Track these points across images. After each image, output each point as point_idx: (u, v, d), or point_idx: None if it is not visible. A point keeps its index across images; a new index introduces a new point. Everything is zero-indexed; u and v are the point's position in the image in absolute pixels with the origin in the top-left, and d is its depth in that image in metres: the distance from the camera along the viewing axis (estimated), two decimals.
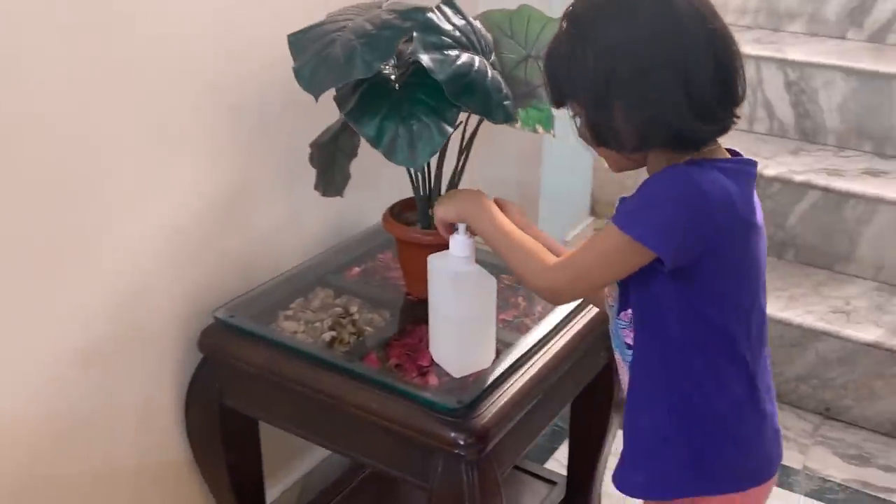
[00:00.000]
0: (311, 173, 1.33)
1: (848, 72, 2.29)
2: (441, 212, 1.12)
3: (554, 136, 1.38)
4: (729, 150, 1.00)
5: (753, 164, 0.99)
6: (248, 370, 1.28)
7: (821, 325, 2.02)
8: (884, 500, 1.81)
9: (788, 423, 2.02)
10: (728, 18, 2.66)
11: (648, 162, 1.00)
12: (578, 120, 0.98)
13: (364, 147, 1.31)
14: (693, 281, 0.96)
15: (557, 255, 1.04)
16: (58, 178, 1.12)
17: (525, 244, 1.04)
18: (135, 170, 1.22)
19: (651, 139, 0.95)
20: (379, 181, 1.58)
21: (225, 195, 1.36)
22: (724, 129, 0.96)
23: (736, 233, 0.95)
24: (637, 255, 0.93)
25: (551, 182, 1.99)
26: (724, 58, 0.93)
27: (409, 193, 1.38)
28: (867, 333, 1.98)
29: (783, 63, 2.32)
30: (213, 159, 1.33)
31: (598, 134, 0.96)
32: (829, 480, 1.86)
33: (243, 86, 1.34)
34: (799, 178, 2.17)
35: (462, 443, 1.11)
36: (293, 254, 1.51)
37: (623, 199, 1.03)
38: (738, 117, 0.96)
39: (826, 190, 2.16)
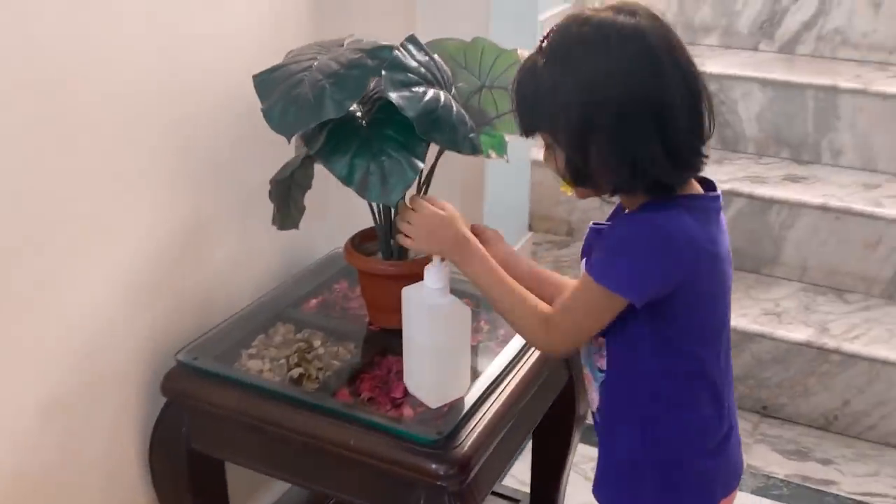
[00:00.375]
0: (262, 207, 1.32)
1: (764, 83, 2.40)
2: (418, 246, 1.10)
3: (507, 161, 1.40)
4: (701, 179, 1.03)
5: (717, 198, 1.02)
6: (216, 413, 1.25)
7: (754, 327, 2.10)
8: (824, 492, 1.90)
9: None
10: None
11: (633, 202, 1.02)
12: (558, 159, 0.99)
13: (316, 180, 1.31)
14: (665, 314, 1.00)
15: (548, 283, 1.06)
16: (12, 229, 1.08)
17: (516, 294, 1.04)
18: (91, 216, 1.18)
19: (627, 186, 0.98)
20: (328, 210, 1.57)
21: (180, 235, 1.34)
22: (696, 172, 0.99)
23: (702, 268, 0.99)
24: (615, 302, 0.98)
25: (493, 202, 2.02)
26: (694, 98, 0.95)
27: (360, 220, 1.38)
28: (798, 333, 2.08)
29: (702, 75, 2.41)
30: (168, 199, 1.30)
31: (575, 175, 0.98)
32: (773, 477, 1.94)
33: (195, 124, 1.32)
34: (724, 186, 2.25)
35: (444, 474, 1.11)
36: (249, 289, 1.49)
37: (594, 229, 1.06)
38: (706, 156, 0.99)
39: (750, 197, 2.26)
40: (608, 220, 1.07)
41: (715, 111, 0.98)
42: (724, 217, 1.04)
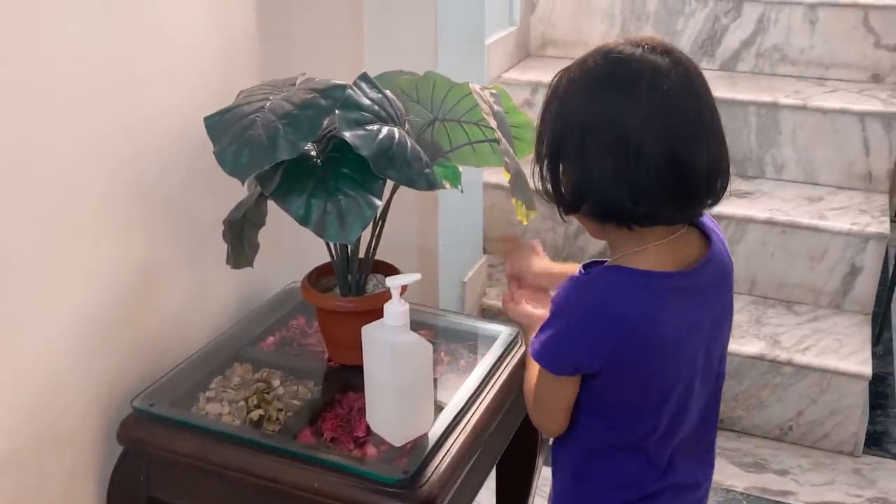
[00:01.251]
0: (215, 245, 1.30)
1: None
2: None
3: (461, 191, 1.40)
4: (697, 224, 1.00)
5: (672, 275, 0.96)
6: (175, 459, 1.23)
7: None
8: (782, 503, 1.93)
9: None
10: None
11: (602, 230, 1.00)
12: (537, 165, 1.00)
13: (269, 215, 1.29)
14: (598, 381, 1.00)
15: None
16: None
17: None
18: (40, 261, 1.15)
19: (579, 204, 0.96)
20: (283, 245, 1.55)
21: (133, 277, 1.31)
22: (667, 223, 0.95)
23: (628, 350, 0.95)
24: (559, 383, 1.00)
25: (448, 225, 2.02)
26: (683, 153, 0.90)
27: (313, 255, 1.37)
28: (751, 347, 2.11)
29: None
30: (120, 242, 1.27)
31: (544, 186, 0.98)
32: (732, 490, 1.97)
33: (146, 164, 1.29)
34: None
35: None
36: (205, 330, 1.46)
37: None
38: (681, 215, 0.96)
39: None
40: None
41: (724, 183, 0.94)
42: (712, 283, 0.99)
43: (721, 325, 1.04)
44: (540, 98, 2.61)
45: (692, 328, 0.98)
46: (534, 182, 1.01)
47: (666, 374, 0.98)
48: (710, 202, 0.96)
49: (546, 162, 0.98)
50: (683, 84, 0.91)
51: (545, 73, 2.66)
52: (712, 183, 0.94)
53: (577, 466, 1.09)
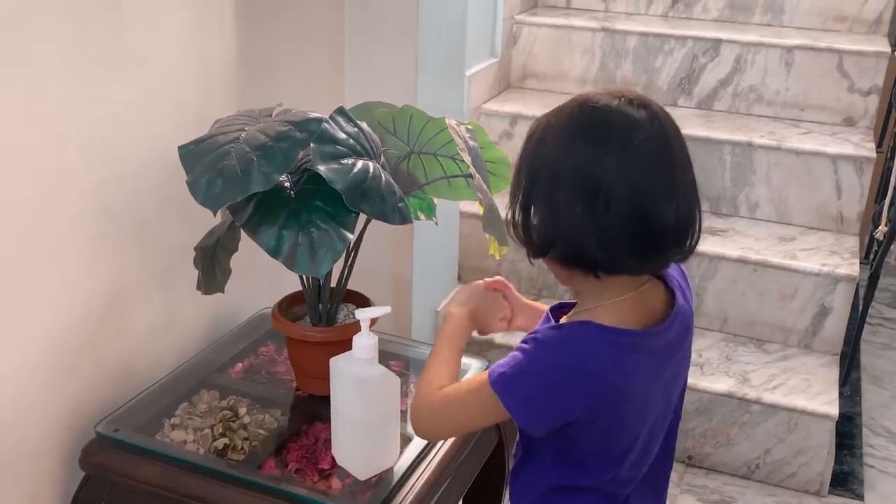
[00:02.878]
0: (186, 270, 1.30)
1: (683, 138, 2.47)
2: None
3: (436, 223, 1.41)
4: (661, 277, 1.00)
5: (642, 334, 0.96)
6: (137, 487, 1.21)
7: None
8: None
9: None
10: (569, 88, 2.87)
11: (569, 277, 1.00)
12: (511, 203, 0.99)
13: (242, 241, 1.29)
14: (571, 429, 0.98)
15: None
16: None
17: (433, 364, 1.05)
18: (8, 285, 1.14)
19: (547, 248, 0.96)
20: (255, 271, 1.55)
21: (101, 301, 1.30)
22: (634, 273, 0.96)
23: (602, 404, 0.95)
24: (501, 414, 0.96)
25: (423, 254, 2.02)
26: (649, 207, 0.90)
27: (285, 282, 1.36)
28: (720, 384, 2.13)
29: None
30: (88, 265, 1.27)
31: (515, 228, 0.98)
32: None
33: (117, 189, 1.29)
34: None
35: None
36: (173, 355, 1.45)
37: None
38: (658, 270, 0.97)
39: None
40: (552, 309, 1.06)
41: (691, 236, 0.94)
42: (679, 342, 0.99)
43: (681, 371, 1.05)
44: (519, 129, 2.63)
45: (657, 380, 0.99)
46: (506, 222, 1.02)
47: (633, 425, 0.99)
48: (678, 256, 0.96)
49: (518, 205, 0.98)
50: (657, 139, 0.91)
51: (525, 105, 2.68)
52: (680, 238, 0.94)
53: (536, 502, 1.08)
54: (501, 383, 0.95)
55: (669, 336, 0.99)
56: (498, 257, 1.34)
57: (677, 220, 0.92)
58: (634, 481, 1.04)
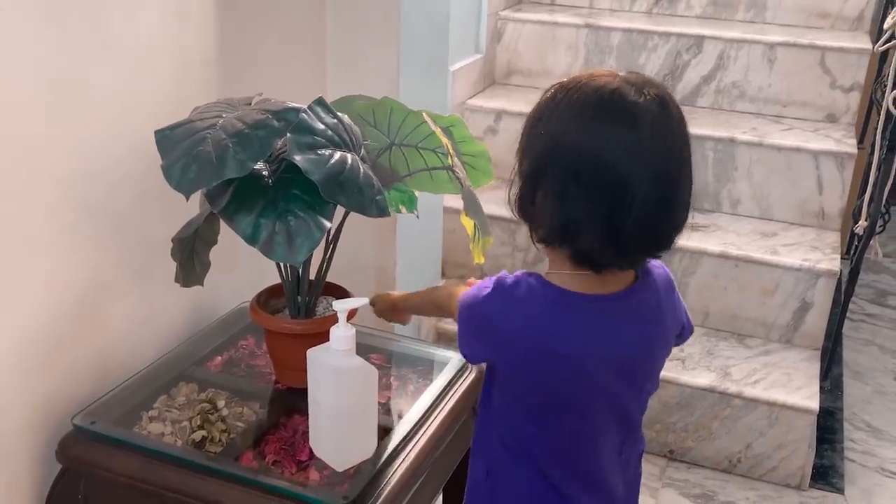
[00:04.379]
0: (165, 262, 1.29)
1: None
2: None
3: (417, 216, 1.41)
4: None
5: (592, 297, 0.99)
6: (114, 480, 1.21)
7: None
8: None
9: None
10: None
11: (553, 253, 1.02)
12: (514, 185, 1.01)
13: (221, 232, 1.29)
14: (496, 380, 1.06)
15: None
16: None
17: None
18: None
19: (555, 240, 0.97)
20: (235, 264, 1.54)
21: (78, 293, 1.29)
22: (631, 265, 0.99)
23: (528, 361, 1.00)
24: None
25: (405, 249, 2.02)
26: (666, 210, 0.93)
27: (265, 275, 1.36)
28: (701, 378, 2.14)
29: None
30: (65, 258, 1.26)
31: (520, 206, 1.00)
32: None
33: (95, 180, 1.28)
34: None
35: None
36: (152, 348, 1.44)
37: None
38: (651, 255, 0.99)
39: None
40: None
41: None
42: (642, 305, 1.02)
43: (646, 357, 1.05)
44: (504, 125, 2.63)
45: (605, 352, 1.00)
46: (510, 200, 1.02)
47: (575, 395, 1.02)
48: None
49: (526, 179, 0.98)
50: (669, 129, 0.93)
51: (510, 101, 2.69)
52: (679, 229, 0.97)
53: (489, 468, 1.12)
54: (464, 301, 1.05)
55: (619, 307, 1.00)
56: (482, 261, 1.34)
57: (683, 212, 0.96)
58: (573, 462, 1.07)
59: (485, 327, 1.02)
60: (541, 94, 1.00)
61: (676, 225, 0.96)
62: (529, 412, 1.05)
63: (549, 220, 0.96)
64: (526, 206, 0.99)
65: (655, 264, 1.05)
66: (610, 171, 0.91)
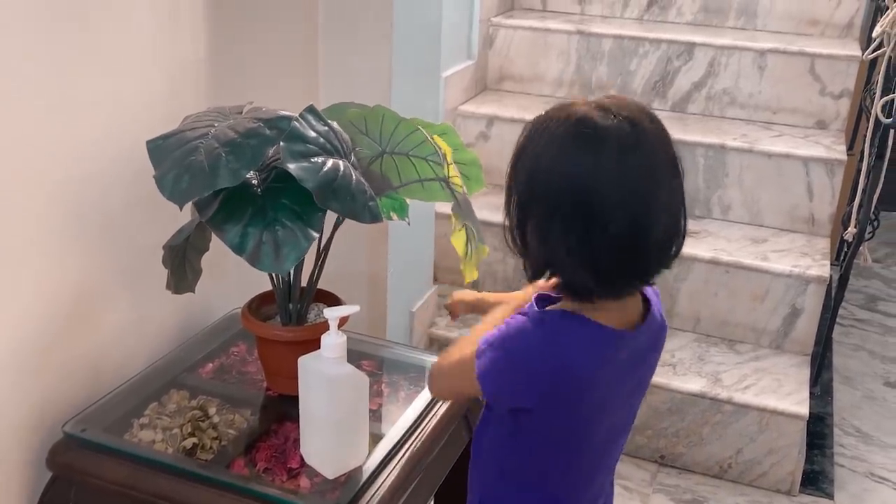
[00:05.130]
0: (156, 269, 1.29)
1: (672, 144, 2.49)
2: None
3: (409, 223, 1.41)
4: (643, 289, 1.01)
5: (624, 334, 0.97)
6: (105, 487, 1.21)
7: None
8: None
9: (628, 473, 2.13)
10: (545, 90, 2.88)
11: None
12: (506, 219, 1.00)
13: (212, 240, 1.29)
14: (528, 417, 1.01)
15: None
16: None
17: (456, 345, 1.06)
18: None
19: (542, 274, 0.97)
20: (226, 270, 1.54)
21: (69, 300, 1.29)
22: (617, 297, 0.96)
23: (560, 400, 0.96)
24: (474, 381, 0.99)
25: (397, 254, 2.02)
26: (641, 231, 0.91)
27: (258, 282, 1.36)
28: (692, 384, 2.14)
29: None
30: (57, 265, 1.26)
31: (512, 240, 0.99)
32: None
33: (86, 187, 1.28)
34: None
35: None
36: (143, 355, 1.44)
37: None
38: (637, 286, 0.98)
39: None
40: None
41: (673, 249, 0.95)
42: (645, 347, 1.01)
43: (646, 380, 1.07)
44: (496, 131, 2.64)
45: (622, 384, 1.01)
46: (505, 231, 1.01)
47: (590, 423, 1.01)
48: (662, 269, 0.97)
49: (514, 223, 0.98)
50: (648, 157, 0.90)
51: (502, 107, 2.69)
52: (664, 254, 0.95)
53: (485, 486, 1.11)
54: (484, 351, 0.97)
55: (640, 342, 1.01)
56: (475, 276, 1.35)
57: (664, 234, 0.93)
58: (584, 487, 1.07)
59: (529, 367, 0.96)
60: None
61: (660, 250, 0.94)
62: (550, 446, 1.02)
63: (534, 253, 0.96)
64: (517, 240, 0.99)
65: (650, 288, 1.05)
66: (580, 197, 0.89)
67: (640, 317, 1.01)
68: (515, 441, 1.04)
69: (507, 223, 0.99)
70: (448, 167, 1.23)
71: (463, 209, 1.26)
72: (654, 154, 0.91)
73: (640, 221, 0.90)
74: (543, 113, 0.97)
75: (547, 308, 1.00)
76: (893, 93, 2.15)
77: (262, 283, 1.37)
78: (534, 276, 0.98)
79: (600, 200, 0.89)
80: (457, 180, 1.25)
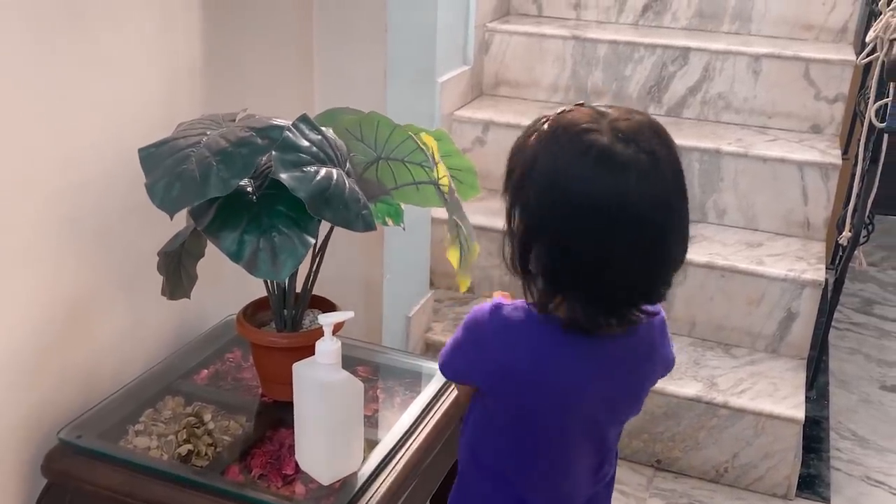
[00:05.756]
0: (152, 275, 1.29)
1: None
2: None
3: (404, 228, 1.42)
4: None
5: (608, 338, 0.98)
6: (100, 494, 1.21)
7: None
8: None
9: (625, 478, 2.13)
10: (541, 95, 2.89)
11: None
12: (507, 245, 1.00)
13: (208, 246, 1.29)
14: (480, 404, 1.07)
15: None
16: None
17: None
18: None
19: (548, 307, 0.97)
20: (222, 276, 1.54)
21: (65, 307, 1.29)
22: (619, 323, 0.97)
23: (502, 392, 1.02)
24: None
25: (393, 259, 2.02)
26: (654, 257, 0.93)
27: (253, 288, 1.36)
28: (688, 388, 2.14)
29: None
30: (52, 272, 1.26)
31: (513, 265, 0.99)
32: None
33: (82, 194, 1.29)
34: None
35: None
36: (139, 361, 1.44)
37: None
38: (644, 312, 0.98)
39: None
40: None
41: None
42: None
43: (635, 389, 1.07)
44: (492, 136, 2.64)
45: (584, 394, 1.01)
46: (505, 254, 1.01)
47: (547, 425, 1.02)
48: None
49: (522, 233, 0.97)
50: (662, 188, 0.93)
51: (498, 112, 2.70)
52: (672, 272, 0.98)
53: (460, 484, 1.15)
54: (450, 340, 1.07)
55: (619, 352, 1.01)
56: (464, 290, 1.35)
57: (678, 255, 0.96)
58: (544, 492, 1.08)
59: (478, 345, 1.02)
60: (521, 139, 0.99)
61: (668, 272, 0.96)
62: (507, 435, 1.05)
63: (542, 281, 0.96)
64: (518, 266, 0.99)
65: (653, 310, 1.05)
66: (596, 219, 0.90)
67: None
68: (484, 427, 1.08)
69: (508, 247, 0.99)
70: (437, 165, 1.23)
71: (452, 206, 1.26)
72: (667, 182, 0.93)
73: (654, 246, 0.93)
74: (547, 127, 0.96)
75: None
76: (887, 97, 2.15)
77: (257, 289, 1.37)
78: (540, 302, 0.97)
79: (622, 224, 0.90)
80: (445, 180, 1.25)
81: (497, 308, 1.01)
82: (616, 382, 1.02)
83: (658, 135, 0.94)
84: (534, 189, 0.94)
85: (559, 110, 0.97)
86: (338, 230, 1.29)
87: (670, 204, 0.94)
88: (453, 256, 1.28)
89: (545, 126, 0.96)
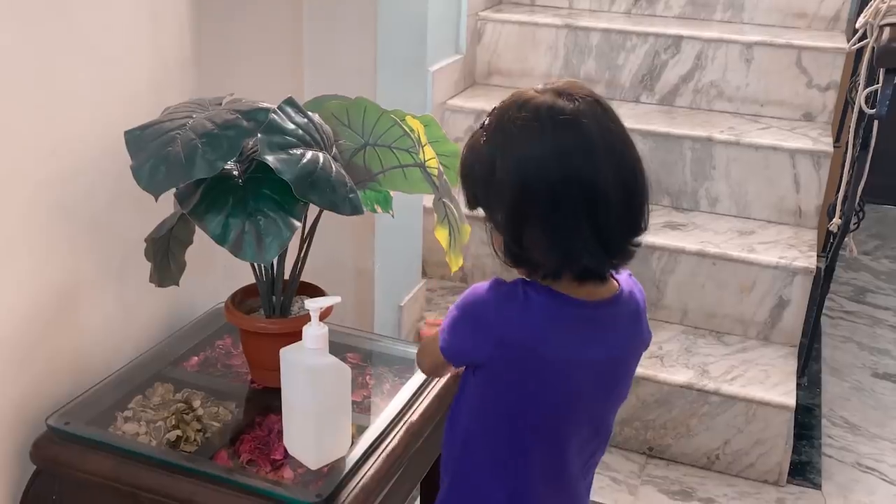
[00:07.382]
0: (141, 263, 1.29)
1: (644, 133, 2.50)
2: None
3: (393, 216, 1.42)
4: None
5: (579, 303, 1.00)
6: (89, 480, 1.21)
7: (639, 370, 2.14)
8: None
9: (617, 465, 2.14)
10: (533, 85, 2.87)
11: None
12: (496, 239, 1.02)
13: (197, 233, 1.29)
14: (481, 381, 1.05)
15: None
16: None
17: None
18: None
19: (558, 272, 0.99)
20: (211, 264, 1.55)
21: (54, 294, 1.29)
22: (627, 260, 1.00)
23: (509, 357, 1.00)
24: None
25: (385, 248, 2.02)
26: (628, 187, 0.96)
27: (243, 275, 1.36)
28: (679, 376, 2.15)
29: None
30: (41, 260, 1.26)
31: (513, 258, 1.00)
32: None
33: (71, 181, 1.28)
34: None
35: None
36: (128, 348, 1.44)
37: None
38: (637, 245, 1.00)
39: None
40: None
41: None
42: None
43: (622, 380, 1.08)
44: None
45: (581, 363, 1.01)
46: (496, 250, 1.03)
47: (548, 390, 1.02)
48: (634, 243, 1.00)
49: (506, 228, 0.99)
50: (613, 124, 0.97)
51: (490, 101, 2.69)
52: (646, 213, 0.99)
53: (453, 479, 1.14)
54: (447, 318, 1.04)
55: (608, 317, 1.02)
56: (460, 263, 1.35)
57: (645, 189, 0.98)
58: (546, 470, 1.07)
59: (480, 321, 1.01)
60: (471, 140, 1.03)
61: (642, 205, 0.99)
62: (506, 416, 1.05)
63: (547, 253, 0.97)
64: (518, 255, 1.00)
65: (633, 282, 1.07)
66: (579, 180, 0.93)
67: (609, 294, 1.03)
68: (479, 416, 1.07)
69: (497, 239, 1.01)
70: (423, 148, 1.23)
71: (440, 189, 1.26)
72: (619, 121, 0.98)
73: (632, 182, 0.96)
74: (493, 117, 1.01)
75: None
76: (877, 83, 2.16)
77: (246, 276, 1.37)
78: (551, 275, 0.99)
79: (598, 176, 0.93)
80: (433, 162, 1.25)
81: (497, 284, 1.01)
82: (609, 347, 1.03)
83: (590, 89, 0.99)
84: (505, 181, 0.96)
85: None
86: (327, 217, 1.29)
87: (630, 139, 0.98)
88: (441, 236, 1.29)
89: (488, 120, 1.02)
